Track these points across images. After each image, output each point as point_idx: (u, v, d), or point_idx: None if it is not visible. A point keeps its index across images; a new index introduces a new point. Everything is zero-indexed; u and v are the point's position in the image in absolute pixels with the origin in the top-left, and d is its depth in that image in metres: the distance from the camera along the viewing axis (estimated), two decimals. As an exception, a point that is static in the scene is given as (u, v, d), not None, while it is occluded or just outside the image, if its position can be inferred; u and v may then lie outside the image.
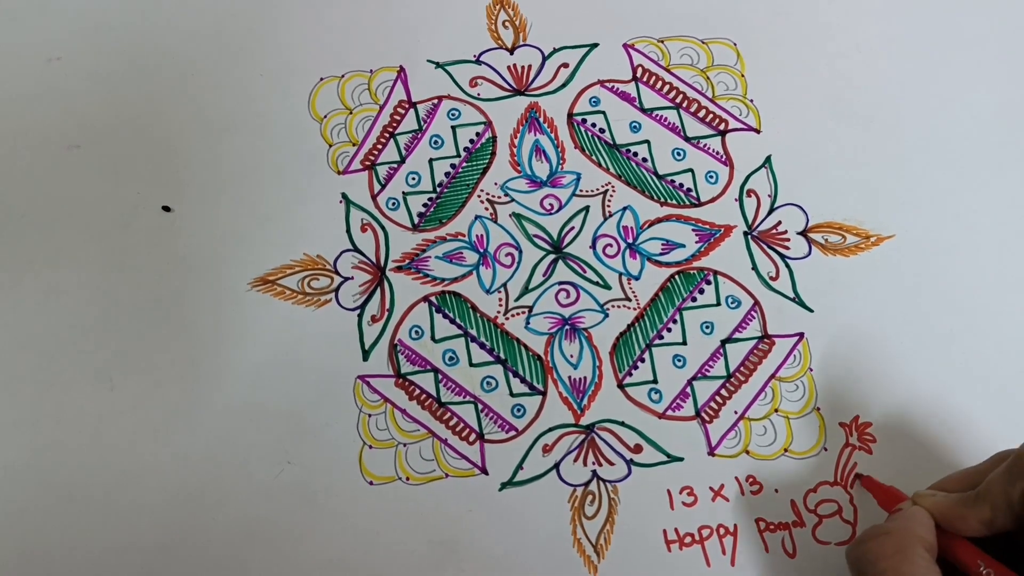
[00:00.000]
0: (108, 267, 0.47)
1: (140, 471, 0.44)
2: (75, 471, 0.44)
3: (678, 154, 0.49)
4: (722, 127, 0.50)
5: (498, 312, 0.47)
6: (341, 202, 0.48)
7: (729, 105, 0.50)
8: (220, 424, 0.45)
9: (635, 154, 0.49)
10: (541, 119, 0.50)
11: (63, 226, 0.48)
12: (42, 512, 0.44)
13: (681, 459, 0.45)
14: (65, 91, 0.51)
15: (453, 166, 0.49)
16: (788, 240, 0.48)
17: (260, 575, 0.43)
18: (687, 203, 0.48)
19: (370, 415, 0.45)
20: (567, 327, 0.46)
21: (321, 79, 0.50)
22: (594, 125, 0.50)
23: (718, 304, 0.47)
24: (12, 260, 0.47)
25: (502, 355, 0.46)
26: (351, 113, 0.50)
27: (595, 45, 0.51)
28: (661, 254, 0.48)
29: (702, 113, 0.50)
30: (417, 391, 0.45)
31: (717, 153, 0.49)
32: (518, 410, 0.45)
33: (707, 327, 0.46)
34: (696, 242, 0.48)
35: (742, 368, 0.46)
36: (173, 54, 0.51)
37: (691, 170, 0.49)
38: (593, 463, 0.44)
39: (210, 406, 0.45)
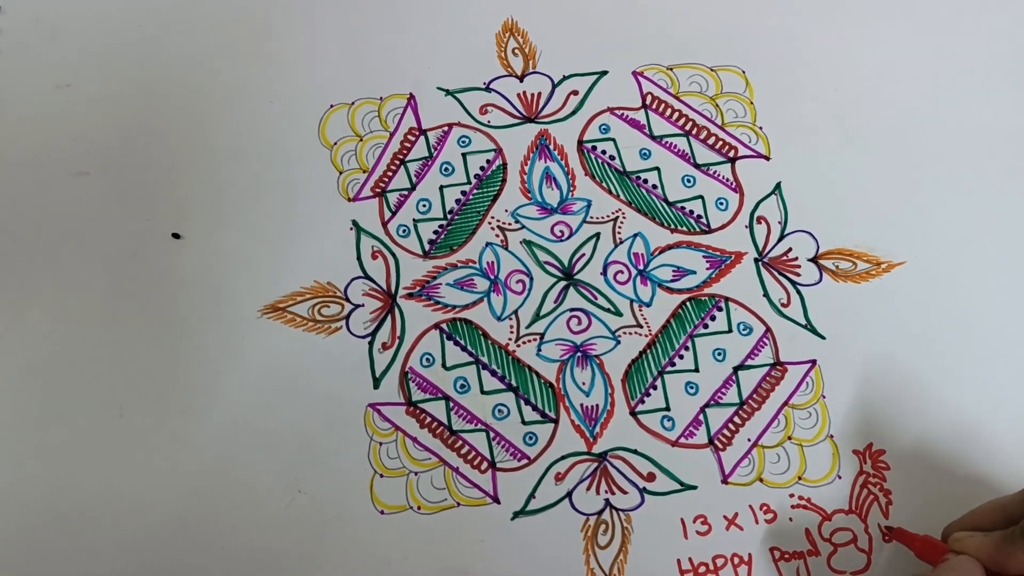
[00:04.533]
0: (117, 294, 0.47)
1: (148, 499, 0.44)
2: (83, 498, 0.44)
3: (688, 181, 0.49)
4: (732, 154, 0.50)
5: (509, 339, 0.46)
6: (352, 229, 0.48)
7: (738, 132, 0.50)
8: (229, 452, 0.44)
9: (645, 181, 0.49)
10: (551, 146, 0.50)
11: (71, 252, 0.48)
12: (50, 539, 0.43)
13: (695, 487, 0.44)
14: (74, 117, 0.51)
15: (464, 193, 0.49)
16: (799, 267, 0.48)
17: (270, 607, 0.42)
18: (697, 230, 0.48)
19: (381, 443, 0.45)
20: (579, 354, 0.46)
21: (331, 106, 0.51)
22: (604, 152, 0.50)
23: (730, 331, 0.47)
24: (21, 286, 0.47)
25: (513, 383, 0.46)
26: (361, 140, 0.50)
27: (604, 72, 0.51)
28: (672, 281, 0.48)
29: (711, 140, 0.50)
30: (428, 419, 0.45)
31: (727, 180, 0.49)
32: (530, 438, 0.45)
33: (719, 354, 0.46)
34: (707, 269, 0.48)
35: (755, 395, 0.46)
36: (182, 81, 0.52)
37: (701, 197, 0.49)
38: (606, 492, 0.44)
39: (219, 434, 0.45)
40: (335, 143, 0.50)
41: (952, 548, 0.38)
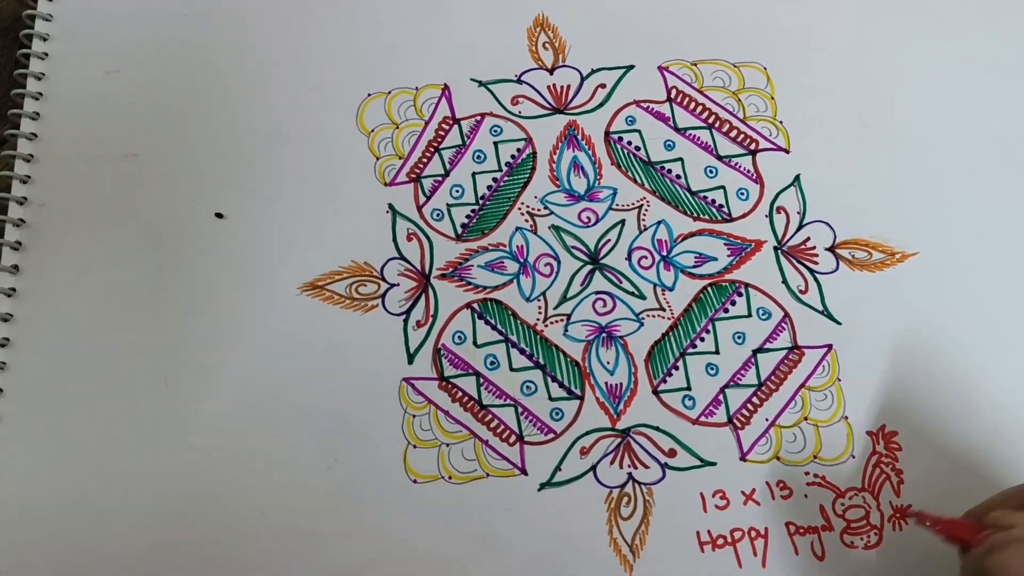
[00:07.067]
0: (163, 270, 0.49)
1: (192, 465, 0.46)
2: (129, 465, 0.46)
3: (710, 172, 0.51)
4: (753, 147, 0.52)
5: (537, 319, 0.49)
6: (388, 212, 0.50)
7: (759, 126, 0.52)
8: (269, 422, 0.46)
9: (669, 171, 0.51)
10: (579, 136, 0.52)
11: (120, 230, 0.50)
12: (97, 504, 0.45)
13: (714, 464, 0.46)
14: (123, 102, 0.53)
15: (495, 180, 0.51)
16: (817, 255, 0.50)
17: (307, 567, 0.44)
18: (719, 218, 0.50)
19: (414, 416, 0.47)
20: (604, 335, 0.48)
21: (369, 95, 0.53)
22: (630, 143, 0.52)
23: (749, 315, 0.49)
24: (72, 261, 0.50)
25: (541, 361, 0.48)
26: (397, 128, 0.52)
27: (631, 67, 0.53)
28: (694, 267, 0.50)
29: (733, 133, 0.52)
30: (460, 394, 0.47)
31: (748, 171, 0.51)
32: (556, 413, 0.47)
33: (739, 337, 0.48)
34: (728, 256, 0.50)
35: (773, 377, 0.48)
36: (226, 69, 0.53)
37: (723, 187, 0.51)
38: (629, 466, 0.46)
39: (260, 405, 0.47)
40: (372, 130, 0.52)
41: (996, 524, 0.37)
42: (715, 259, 0.50)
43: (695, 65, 0.53)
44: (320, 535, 0.45)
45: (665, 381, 0.47)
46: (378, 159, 0.51)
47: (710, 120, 0.52)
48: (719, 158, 0.52)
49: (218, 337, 0.48)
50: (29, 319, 0.49)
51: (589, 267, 0.50)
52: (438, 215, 0.50)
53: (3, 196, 0.50)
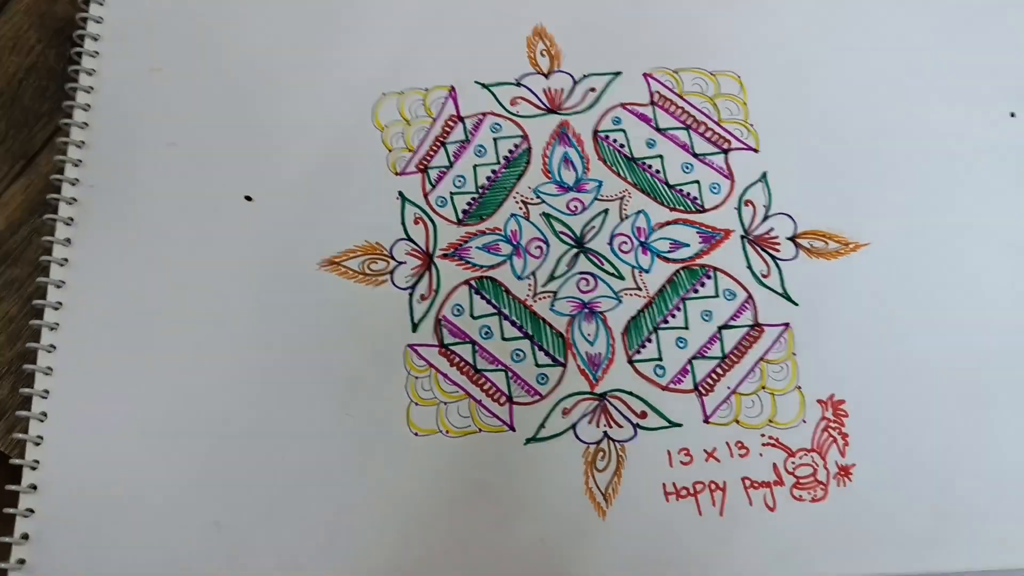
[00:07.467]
0: (198, 246, 0.55)
1: (220, 414, 0.52)
2: (164, 420, 0.52)
3: (687, 168, 0.57)
4: (726, 146, 0.57)
5: (527, 295, 0.54)
6: (398, 199, 0.56)
7: (732, 128, 0.58)
8: (290, 380, 0.52)
9: (650, 166, 0.57)
10: (570, 134, 0.58)
11: (161, 212, 0.56)
12: (132, 451, 0.52)
13: (680, 425, 0.52)
14: (165, 97, 0.58)
15: (494, 171, 0.57)
16: (779, 244, 0.55)
17: (320, 505, 0.50)
18: (693, 209, 0.56)
19: (417, 378, 0.53)
20: (586, 310, 0.54)
21: (383, 94, 0.58)
22: (615, 141, 0.58)
23: (717, 296, 0.54)
24: (118, 239, 0.55)
25: (530, 331, 0.54)
26: (408, 124, 0.58)
27: (619, 73, 0.59)
28: (669, 252, 0.55)
29: (709, 134, 0.58)
30: (457, 359, 0.53)
31: (720, 168, 0.57)
32: (542, 378, 0.53)
33: (706, 315, 0.54)
34: (700, 243, 0.55)
35: (735, 351, 0.53)
36: (256, 68, 0.58)
37: (697, 182, 0.56)
38: (605, 425, 0.52)
39: (282, 366, 0.53)
40: (386, 126, 0.58)
41: None
42: (688, 245, 0.55)
43: (676, 72, 0.59)
44: (332, 478, 0.51)
45: (639, 352, 0.53)
46: (390, 151, 0.57)
47: (688, 122, 0.58)
48: (695, 156, 0.57)
49: (247, 307, 0.54)
50: (78, 286, 0.55)
51: (575, 250, 0.55)
52: (442, 202, 0.56)
53: (57, 178, 0.57)
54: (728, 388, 0.52)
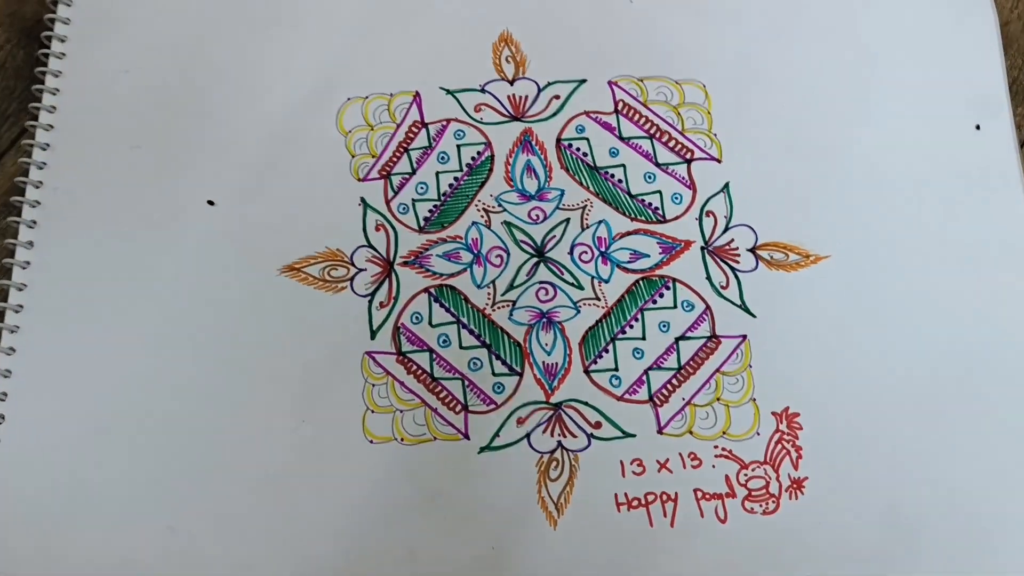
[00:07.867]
0: (160, 251, 0.55)
1: (178, 416, 0.53)
2: (121, 424, 0.53)
3: (649, 178, 0.57)
4: (688, 156, 0.58)
5: (486, 304, 0.55)
6: (359, 205, 0.56)
7: (696, 137, 0.58)
8: (247, 385, 0.53)
9: (612, 175, 0.57)
10: (533, 142, 0.58)
11: (125, 214, 0.56)
12: (98, 453, 0.52)
13: (634, 436, 0.52)
14: (131, 99, 0.59)
15: (456, 179, 0.57)
16: (739, 255, 0.55)
17: (274, 510, 0.51)
18: (654, 220, 0.56)
19: (374, 385, 0.53)
20: (544, 320, 0.54)
21: (348, 99, 0.58)
22: (578, 149, 0.58)
23: (675, 307, 0.55)
24: (81, 242, 0.56)
25: (487, 340, 0.54)
26: (372, 129, 0.58)
27: (583, 81, 0.59)
28: (629, 262, 0.56)
29: (672, 143, 0.58)
30: (414, 367, 0.54)
31: (683, 178, 0.57)
32: (498, 387, 0.53)
33: (664, 326, 0.54)
34: (660, 253, 0.56)
35: (691, 362, 0.54)
36: (222, 73, 0.59)
37: (659, 192, 0.57)
38: (559, 435, 0.52)
39: (241, 371, 0.53)
40: (350, 131, 0.58)
41: None
42: (648, 256, 0.56)
43: (641, 81, 0.59)
44: (288, 484, 0.51)
45: (596, 362, 0.54)
46: (353, 157, 0.57)
47: (652, 131, 0.58)
48: (658, 165, 0.57)
49: (206, 310, 0.54)
50: (40, 289, 0.55)
51: (535, 259, 0.56)
52: (404, 209, 0.57)
53: (22, 180, 0.57)
54: (683, 399, 0.53)
